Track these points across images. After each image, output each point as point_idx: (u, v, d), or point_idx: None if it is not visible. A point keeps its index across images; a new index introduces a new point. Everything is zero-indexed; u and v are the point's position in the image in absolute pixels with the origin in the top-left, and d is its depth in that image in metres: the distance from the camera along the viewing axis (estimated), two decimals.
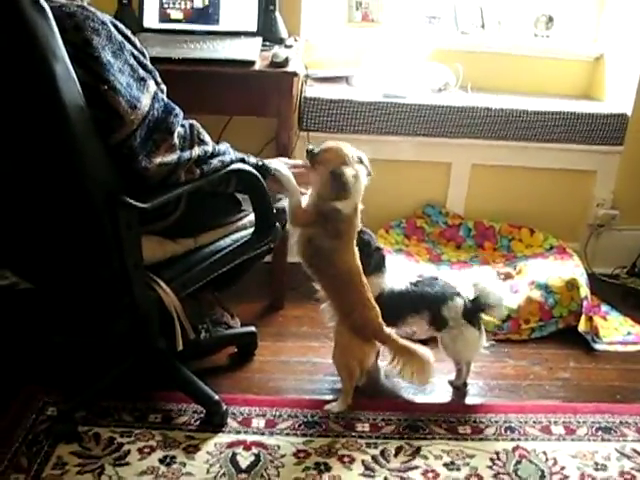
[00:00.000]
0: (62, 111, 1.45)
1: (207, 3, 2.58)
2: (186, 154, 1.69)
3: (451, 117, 2.86)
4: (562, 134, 2.91)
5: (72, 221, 1.65)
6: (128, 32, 1.67)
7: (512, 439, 2.05)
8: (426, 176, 3.07)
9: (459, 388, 2.29)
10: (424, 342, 2.15)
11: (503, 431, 2.08)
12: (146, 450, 1.93)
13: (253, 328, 2.43)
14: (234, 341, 2.43)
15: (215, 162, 1.78)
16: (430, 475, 1.90)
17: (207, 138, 1.78)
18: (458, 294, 2.18)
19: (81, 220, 1.64)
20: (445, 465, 1.94)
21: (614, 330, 2.68)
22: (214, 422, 2.04)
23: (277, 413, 2.11)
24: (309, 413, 2.11)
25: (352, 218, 1.97)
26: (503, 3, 3.11)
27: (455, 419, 2.12)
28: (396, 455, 1.97)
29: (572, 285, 2.62)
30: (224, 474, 1.87)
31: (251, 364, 2.37)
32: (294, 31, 2.74)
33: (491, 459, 1.97)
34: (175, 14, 2.59)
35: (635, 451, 2.03)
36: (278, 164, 1.98)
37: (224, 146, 1.84)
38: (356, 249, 2.01)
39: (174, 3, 2.57)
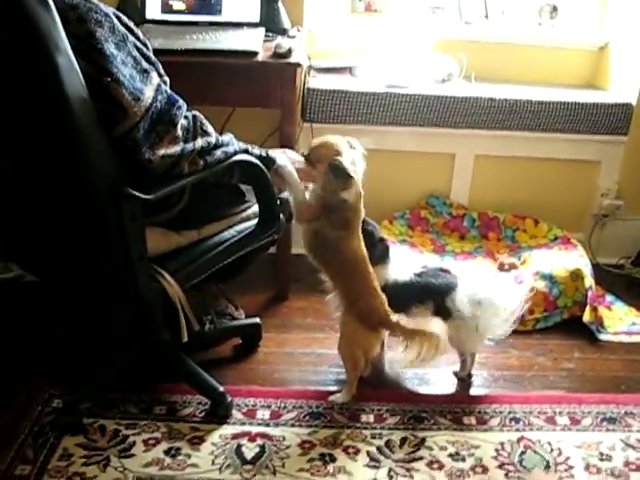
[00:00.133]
0: (65, 103, 1.45)
1: None
2: (189, 145, 1.69)
3: (455, 108, 2.85)
4: (566, 124, 2.90)
5: (76, 213, 1.65)
6: (131, 24, 1.67)
7: (517, 430, 2.06)
8: (430, 167, 3.06)
9: (464, 379, 2.29)
10: None
11: (508, 422, 2.08)
12: (151, 442, 1.94)
13: (257, 319, 2.44)
14: (238, 332, 2.43)
15: (218, 153, 1.77)
16: (435, 466, 1.91)
17: (210, 129, 1.77)
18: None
19: (85, 212, 1.64)
20: (450, 456, 1.94)
21: (619, 320, 2.67)
22: (219, 413, 2.04)
23: (282, 404, 2.11)
24: (314, 404, 2.11)
25: (357, 206, 1.97)
26: None
27: (460, 410, 2.12)
28: (401, 446, 1.97)
29: (576, 275, 2.62)
30: (229, 465, 1.87)
31: (256, 355, 2.37)
32: (297, 21, 2.73)
33: (496, 450, 1.98)
34: (177, 5, 2.58)
35: None
36: (282, 159, 1.97)
37: (227, 137, 1.83)
38: (361, 237, 2.01)
39: None
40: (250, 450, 1.93)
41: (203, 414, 2.05)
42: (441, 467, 1.90)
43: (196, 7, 2.58)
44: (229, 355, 2.36)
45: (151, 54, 1.71)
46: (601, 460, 1.96)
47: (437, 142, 2.96)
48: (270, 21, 2.60)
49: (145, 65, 1.64)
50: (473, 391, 2.25)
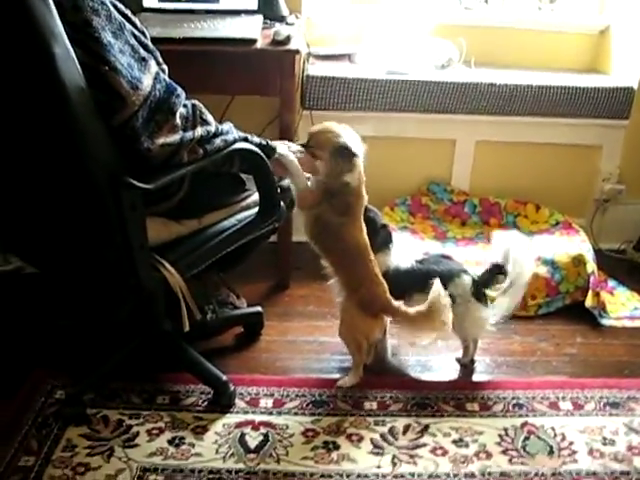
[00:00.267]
0: (62, 92, 1.44)
1: None
2: (189, 134, 1.68)
3: (455, 93, 2.83)
4: (567, 109, 2.88)
5: (76, 204, 1.64)
6: (128, 12, 1.65)
7: (520, 415, 2.06)
8: (430, 153, 3.05)
9: (466, 365, 2.29)
10: None
11: (511, 407, 2.09)
12: (155, 431, 1.94)
13: (259, 308, 2.44)
14: (240, 321, 2.43)
15: (218, 141, 1.76)
16: (439, 452, 1.91)
17: (210, 118, 1.76)
18: (465, 271, 2.17)
19: (85, 202, 1.63)
20: (454, 442, 1.95)
21: (621, 305, 2.67)
22: (222, 403, 2.04)
23: (285, 393, 2.11)
24: (317, 392, 2.11)
25: (359, 190, 1.97)
26: None
27: (463, 396, 2.12)
28: (404, 433, 1.97)
29: (579, 261, 2.61)
30: (233, 454, 1.88)
31: (258, 344, 2.37)
32: (295, 8, 2.71)
33: (499, 435, 1.98)
34: None
35: None
36: (282, 148, 1.96)
37: (227, 126, 1.82)
38: (363, 224, 2.00)
39: None
40: (254, 439, 1.93)
41: (206, 403, 2.05)
42: (445, 453, 1.91)
43: None
44: (231, 344, 2.36)
45: (149, 42, 1.69)
46: (604, 445, 1.96)
47: (437, 128, 2.95)
48: (268, 8, 2.57)
49: (143, 53, 1.62)
50: (476, 377, 2.25)
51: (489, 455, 1.91)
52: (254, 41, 2.33)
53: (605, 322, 2.56)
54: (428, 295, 2.15)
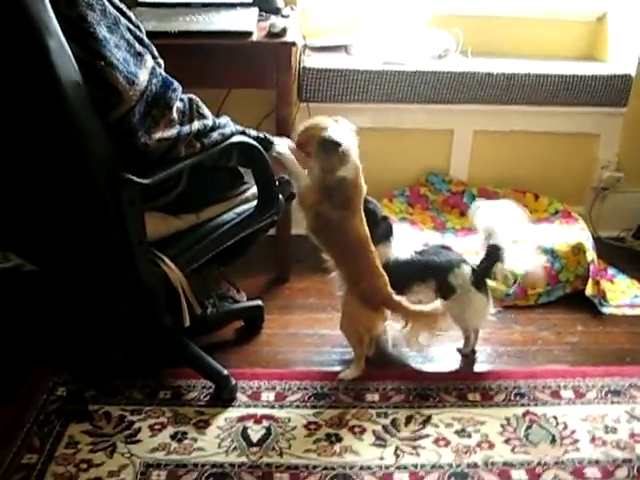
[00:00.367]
0: (58, 88, 1.43)
1: None
2: (186, 128, 1.67)
3: (452, 83, 2.82)
4: (565, 97, 2.87)
5: (74, 200, 1.64)
6: (123, 6, 1.64)
7: (522, 405, 2.06)
8: (428, 144, 3.04)
9: (467, 355, 2.29)
10: None
11: (513, 397, 2.09)
12: (157, 427, 1.94)
13: (259, 302, 2.43)
14: (241, 315, 2.43)
15: (215, 135, 1.76)
16: (441, 443, 1.91)
17: (207, 112, 1.76)
18: (465, 261, 2.17)
19: (83, 199, 1.62)
20: (456, 432, 1.95)
21: (621, 293, 2.67)
22: (224, 397, 2.04)
23: (286, 386, 2.11)
24: (318, 385, 2.11)
25: (357, 183, 1.96)
26: None
27: (465, 386, 2.12)
28: (407, 424, 1.97)
29: (578, 249, 2.61)
30: (235, 448, 1.88)
31: (259, 338, 2.37)
32: (290, 0, 2.70)
33: (502, 425, 1.98)
34: None
35: None
36: (281, 146, 1.95)
37: (224, 119, 1.81)
38: (364, 217, 2.00)
39: None
40: (256, 432, 1.93)
41: (208, 398, 2.05)
42: (447, 444, 1.91)
43: None
44: (232, 338, 2.36)
45: (144, 37, 1.69)
46: (606, 433, 1.96)
47: (435, 118, 2.94)
48: (263, 1, 2.56)
49: (139, 48, 1.61)
50: (477, 367, 2.26)
51: (491, 445, 1.91)
52: (250, 34, 2.32)
53: (605, 310, 2.56)
54: (428, 286, 2.16)
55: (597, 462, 1.86)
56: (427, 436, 1.93)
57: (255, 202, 1.97)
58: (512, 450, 1.89)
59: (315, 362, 2.25)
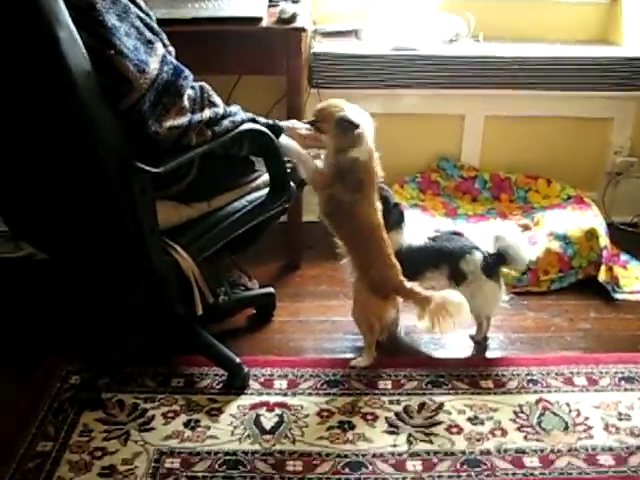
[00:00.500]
0: (69, 77, 1.43)
1: None
2: (197, 116, 1.67)
3: (463, 68, 2.80)
4: (578, 81, 2.83)
5: (86, 189, 1.64)
6: None
7: (535, 391, 2.05)
8: (439, 129, 3.02)
9: (480, 342, 2.28)
10: None
11: (525, 384, 2.08)
12: (170, 415, 1.95)
13: (271, 289, 2.43)
14: (252, 303, 2.43)
15: (226, 123, 1.75)
16: (454, 430, 1.91)
17: (217, 100, 1.75)
18: (477, 248, 2.16)
19: (95, 188, 1.62)
20: (469, 420, 1.95)
21: (634, 279, 2.65)
22: (236, 384, 2.04)
23: (299, 373, 2.11)
24: (330, 372, 2.11)
25: (370, 166, 1.96)
26: None
27: (477, 373, 2.12)
28: (419, 411, 1.97)
29: (591, 235, 2.59)
30: (249, 436, 1.88)
31: (270, 325, 2.37)
32: None
33: (514, 412, 1.97)
34: None
35: None
36: (283, 137, 1.94)
37: (235, 107, 1.81)
38: (378, 204, 1.99)
39: None
40: (269, 420, 1.94)
41: (220, 385, 2.06)
42: (460, 431, 1.91)
43: None
44: (244, 326, 2.36)
45: (155, 24, 1.68)
46: (620, 420, 1.96)
47: (446, 104, 2.92)
48: None
49: (149, 36, 1.61)
50: (490, 354, 2.25)
51: (504, 432, 1.90)
52: (260, 20, 2.31)
53: (618, 296, 2.54)
54: (440, 273, 2.15)
55: (610, 449, 1.86)
56: (440, 423, 1.93)
57: (266, 190, 1.97)
58: (525, 437, 1.89)
59: (327, 349, 2.25)
